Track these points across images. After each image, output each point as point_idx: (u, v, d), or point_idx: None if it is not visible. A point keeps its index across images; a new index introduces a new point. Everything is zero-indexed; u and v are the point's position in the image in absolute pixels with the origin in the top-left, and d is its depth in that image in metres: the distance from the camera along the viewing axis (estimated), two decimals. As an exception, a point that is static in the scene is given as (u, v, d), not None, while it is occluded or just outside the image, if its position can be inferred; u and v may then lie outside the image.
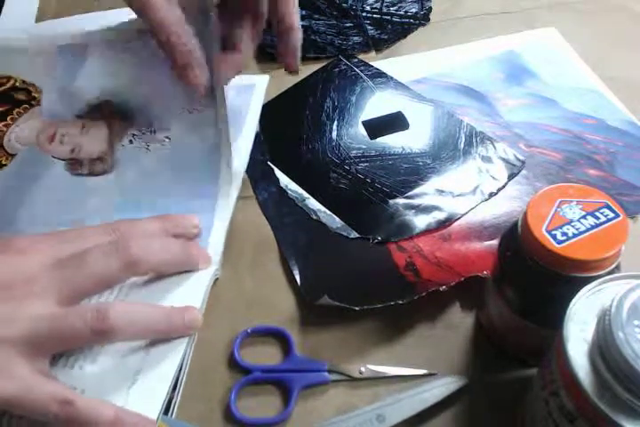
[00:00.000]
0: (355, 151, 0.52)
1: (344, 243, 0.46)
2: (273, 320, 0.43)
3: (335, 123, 0.54)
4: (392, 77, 0.57)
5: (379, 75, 0.58)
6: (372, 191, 0.49)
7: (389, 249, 0.45)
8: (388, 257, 0.45)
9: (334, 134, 0.53)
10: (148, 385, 0.36)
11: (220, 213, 0.46)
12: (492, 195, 0.48)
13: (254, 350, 0.42)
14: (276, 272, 0.46)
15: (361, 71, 0.58)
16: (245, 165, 0.48)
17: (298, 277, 0.45)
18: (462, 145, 0.52)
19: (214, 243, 0.44)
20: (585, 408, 0.26)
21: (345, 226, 0.47)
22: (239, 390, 0.39)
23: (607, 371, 0.25)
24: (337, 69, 0.58)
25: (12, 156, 0.48)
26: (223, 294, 0.44)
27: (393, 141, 0.52)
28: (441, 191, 0.49)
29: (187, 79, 0.41)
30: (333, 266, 0.45)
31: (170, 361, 0.37)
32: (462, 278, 0.41)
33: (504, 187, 0.49)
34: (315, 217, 0.48)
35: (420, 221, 0.47)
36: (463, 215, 0.47)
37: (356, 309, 0.41)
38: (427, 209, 0.47)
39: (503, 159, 0.50)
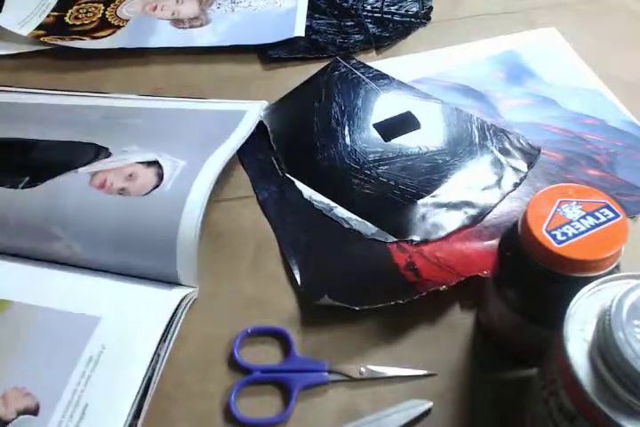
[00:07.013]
0: (372, 155, 0.51)
1: (344, 243, 0.46)
2: (273, 320, 0.43)
3: (346, 128, 0.53)
4: (394, 78, 0.57)
5: (380, 76, 0.57)
6: (398, 193, 0.48)
7: (390, 249, 0.45)
8: (389, 257, 0.45)
9: (347, 140, 0.53)
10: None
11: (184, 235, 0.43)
12: (516, 185, 0.49)
13: (254, 349, 0.42)
14: (276, 272, 0.46)
15: (362, 74, 0.58)
16: (206, 198, 0.44)
17: (298, 277, 0.45)
18: (477, 139, 0.52)
19: (185, 267, 0.43)
20: (585, 408, 0.26)
21: (380, 231, 0.47)
22: (239, 390, 0.39)
23: (607, 371, 0.25)
24: (337, 73, 0.58)
25: (126, 20, 0.66)
26: (223, 294, 0.44)
27: (408, 142, 0.52)
28: (467, 187, 0.49)
29: None
30: (333, 266, 0.45)
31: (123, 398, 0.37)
32: (462, 278, 0.41)
33: (526, 176, 0.49)
34: (347, 226, 0.47)
35: (453, 218, 0.47)
36: (494, 208, 0.47)
37: (356, 309, 0.41)
38: (457, 206, 0.47)
39: (520, 149, 0.51)
